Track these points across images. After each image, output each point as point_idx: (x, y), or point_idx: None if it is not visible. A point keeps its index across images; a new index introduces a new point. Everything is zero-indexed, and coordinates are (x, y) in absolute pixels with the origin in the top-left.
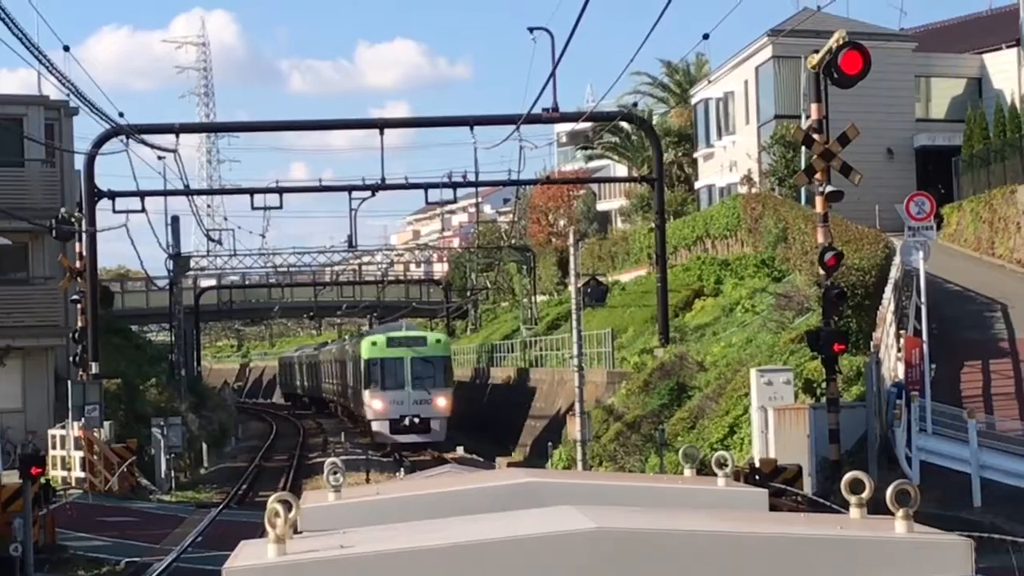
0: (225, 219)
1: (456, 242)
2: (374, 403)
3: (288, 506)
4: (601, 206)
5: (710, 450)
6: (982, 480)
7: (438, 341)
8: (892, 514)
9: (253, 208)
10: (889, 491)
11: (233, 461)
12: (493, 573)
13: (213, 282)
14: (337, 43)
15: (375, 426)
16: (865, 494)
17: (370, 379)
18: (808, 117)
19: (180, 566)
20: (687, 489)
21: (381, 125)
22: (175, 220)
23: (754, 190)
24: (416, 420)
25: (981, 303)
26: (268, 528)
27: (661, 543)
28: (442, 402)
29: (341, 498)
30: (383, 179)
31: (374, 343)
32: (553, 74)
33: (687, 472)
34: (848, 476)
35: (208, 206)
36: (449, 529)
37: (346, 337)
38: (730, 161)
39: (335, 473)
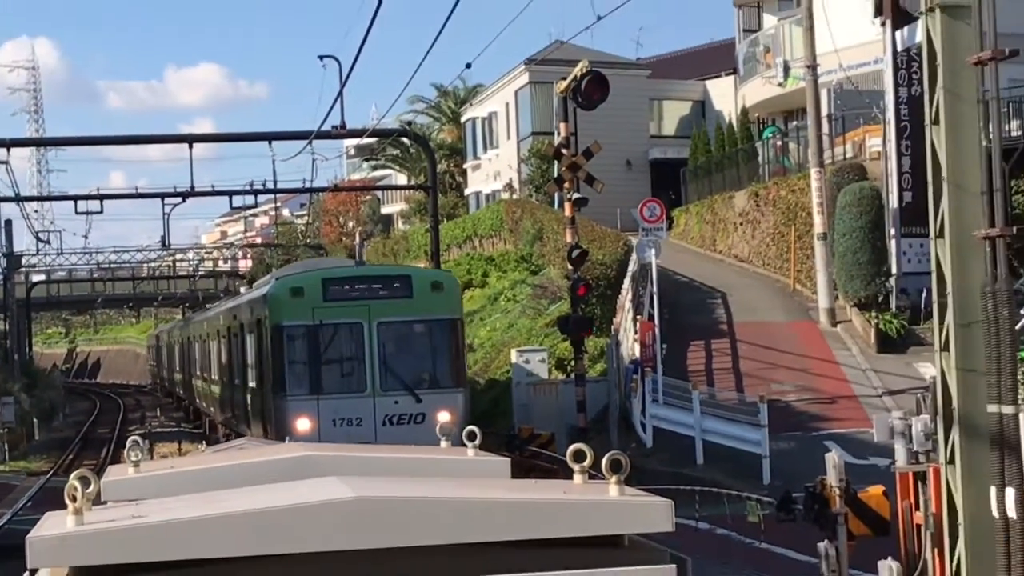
0: (52, 222)
1: (259, 241)
2: (298, 423)
3: (86, 482)
4: (385, 209)
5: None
6: (704, 442)
7: (436, 286)
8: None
9: (77, 213)
10: (604, 460)
11: (61, 434)
12: (262, 539)
13: (43, 277)
14: (149, 66)
15: None
16: (586, 462)
17: (288, 371)
18: (559, 134)
19: (12, 527)
20: (442, 459)
21: (190, 140)
22: (8, 223)
23: (515, 196)
24: None
25: (705, 292)
26: (68, 501)
27: (411, 509)
28: (445, 417)
29: (140, 472)
30: (192, 187)
31: (295, 291)
32: (340, 95)
33: (443, 444)
34: (571, 448)
35: (35, 211)
36: (229, 500)
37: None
38: (495, 171)
39: (135, 449)
